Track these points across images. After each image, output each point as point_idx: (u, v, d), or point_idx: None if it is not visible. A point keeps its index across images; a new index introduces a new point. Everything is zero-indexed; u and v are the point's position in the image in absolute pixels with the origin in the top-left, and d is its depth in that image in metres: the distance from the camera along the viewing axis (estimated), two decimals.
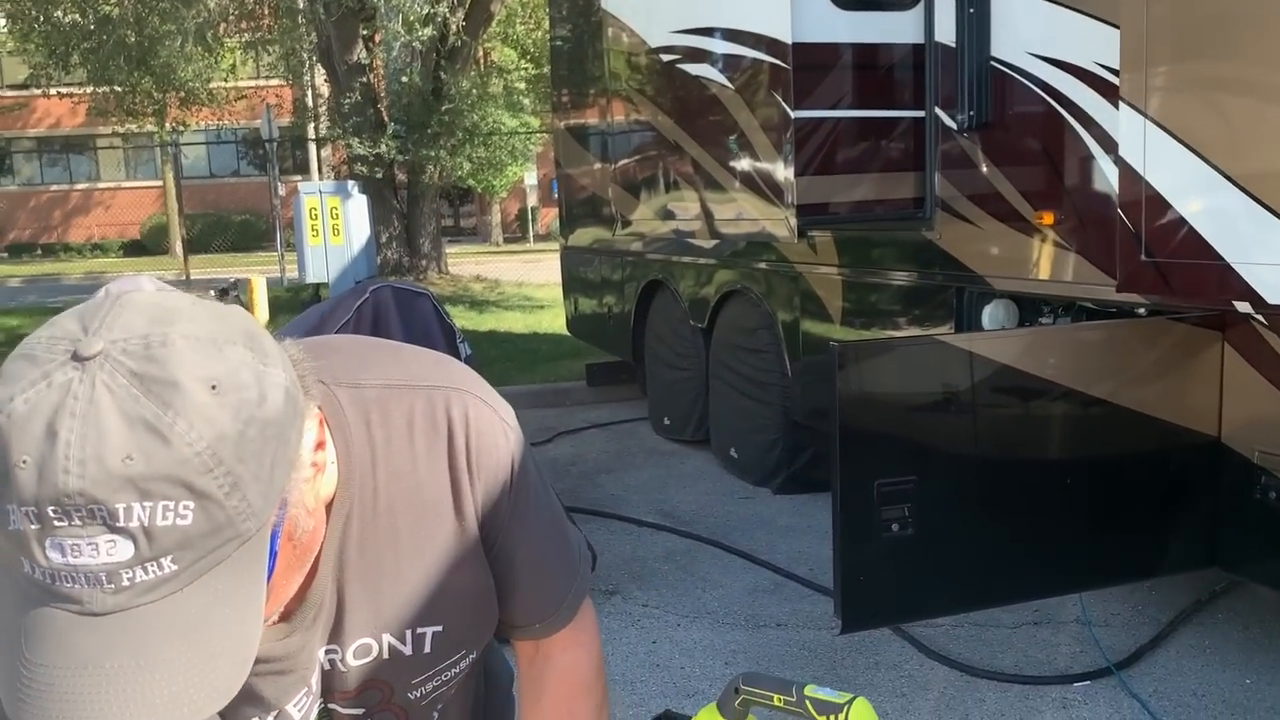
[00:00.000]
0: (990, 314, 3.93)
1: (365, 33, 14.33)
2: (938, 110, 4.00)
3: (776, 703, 0.99)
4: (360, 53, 14.09)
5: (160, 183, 28.60)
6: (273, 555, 0.79)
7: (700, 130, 4.80)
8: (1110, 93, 3.20)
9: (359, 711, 1.05)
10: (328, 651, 0.99)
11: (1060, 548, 3.15)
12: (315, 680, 1.00)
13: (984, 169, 3.83)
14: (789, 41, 3.95)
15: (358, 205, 12.71)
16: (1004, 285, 3.86)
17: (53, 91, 17.45)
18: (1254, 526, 3.11)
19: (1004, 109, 3.75)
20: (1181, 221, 2.94)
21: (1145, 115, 2.99)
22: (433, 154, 14.17)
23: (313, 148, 23.43)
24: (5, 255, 27.90)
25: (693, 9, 4.79)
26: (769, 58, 4.14)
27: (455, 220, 31.24)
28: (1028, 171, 3.70)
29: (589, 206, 7.35)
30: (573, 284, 8.23)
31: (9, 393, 0.69)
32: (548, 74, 10.49)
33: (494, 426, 1.02)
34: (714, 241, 5.48)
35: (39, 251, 28.57)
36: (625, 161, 5.87)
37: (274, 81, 21.98)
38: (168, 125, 18.64)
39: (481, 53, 16.90)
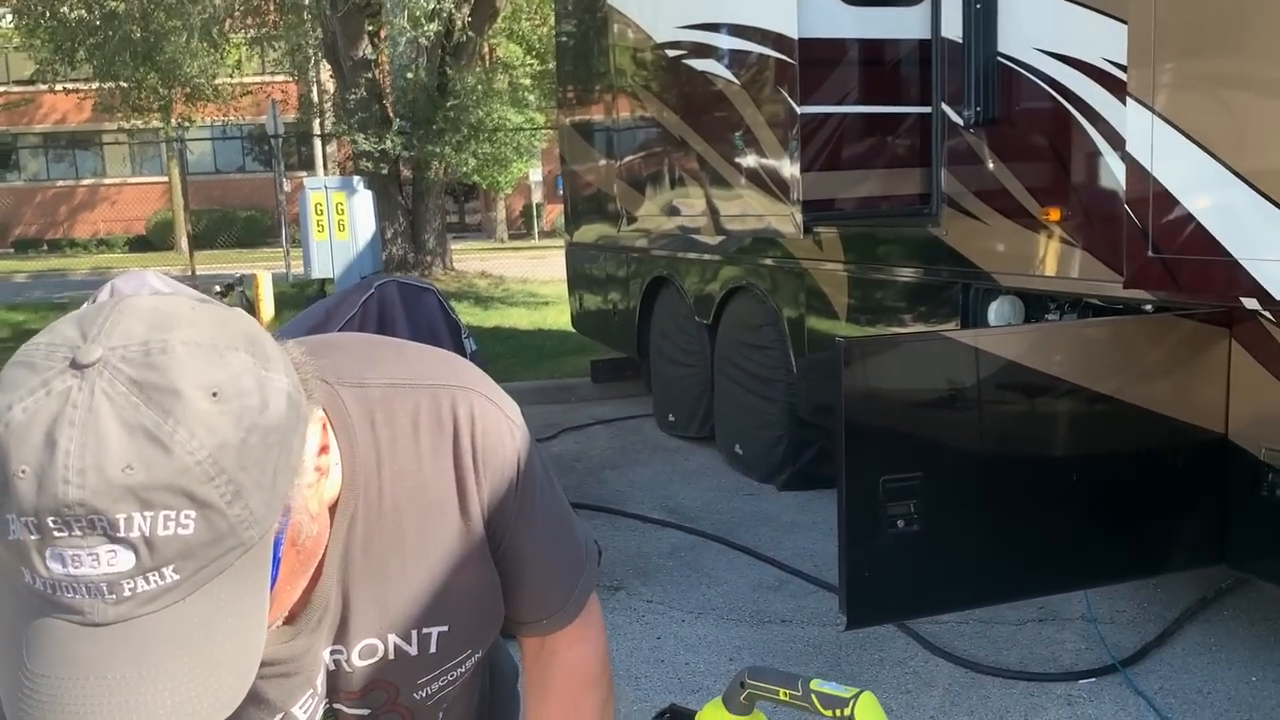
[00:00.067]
0: (996, 310, 3.92)
1: (371, 28, 14.34)
2: (944, 106, 3.99)
3: (782, 697, 0.98)
4: (366, 48, 14.09)
5: (166, 179, 28.60)
6: (276, 562, 0.79)
7: (706, 126, 4.79)
8: (1118, 88, 3.19)
9: (364, 712, 1.04)
10: (333, 652, 0.99)
11: (1066, 544, 3.14)
12: (320, 681, 1.00)
13: (990, 165, 3.82)
14: (795, 37, 3.94)
15: (363, 201, 12.71)
16: (1010, 282, 3.85)
17: (59, 87, 17.48)
18: (1261, 523, 3.11)
19: (1011, 105, 3.73)
20: (1189, 217, 2.93)
21: (1153, 111, 2.98)
22: (438, 150, 14.16)
23: (318, 143, 23.44)
24: (11, 251, 27.94)
25: (698, 4, 4.79)
26: (775, 53, 4.13)
27: (460, 216, 31.25)
28: (1034, 168, 3.69)
29: (594, 203, 7.35)
30: (578, 280, 8.23)
31: (7, 401, 0.69)
32: (553, 70, 10.48)
33: (500, 425, 1.01)
34: (719, 238, 5.48)
35: (45, 247, 28.60)
36: (630, 158, 5.87)
37: (279, 77, 21.97)
38: (173, 121, 18.67)
39: (487, 48, 16.90)
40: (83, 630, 0.69)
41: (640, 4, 5.37)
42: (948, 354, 3.07)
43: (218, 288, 7.94)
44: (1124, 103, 3.11)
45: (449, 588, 1.00)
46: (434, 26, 12.66)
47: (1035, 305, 3.88)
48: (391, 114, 14.49)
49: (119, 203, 30.05)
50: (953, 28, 3.88)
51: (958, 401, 3.05)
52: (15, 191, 30.22)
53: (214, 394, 0.70)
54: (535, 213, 28.24)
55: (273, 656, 0.90)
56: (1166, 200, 2.98)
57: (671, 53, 5.04)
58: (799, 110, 3.98)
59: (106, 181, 30.68)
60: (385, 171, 14.25)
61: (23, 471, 0.67)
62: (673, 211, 5.28)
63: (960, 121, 3.88)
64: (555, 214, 24.82)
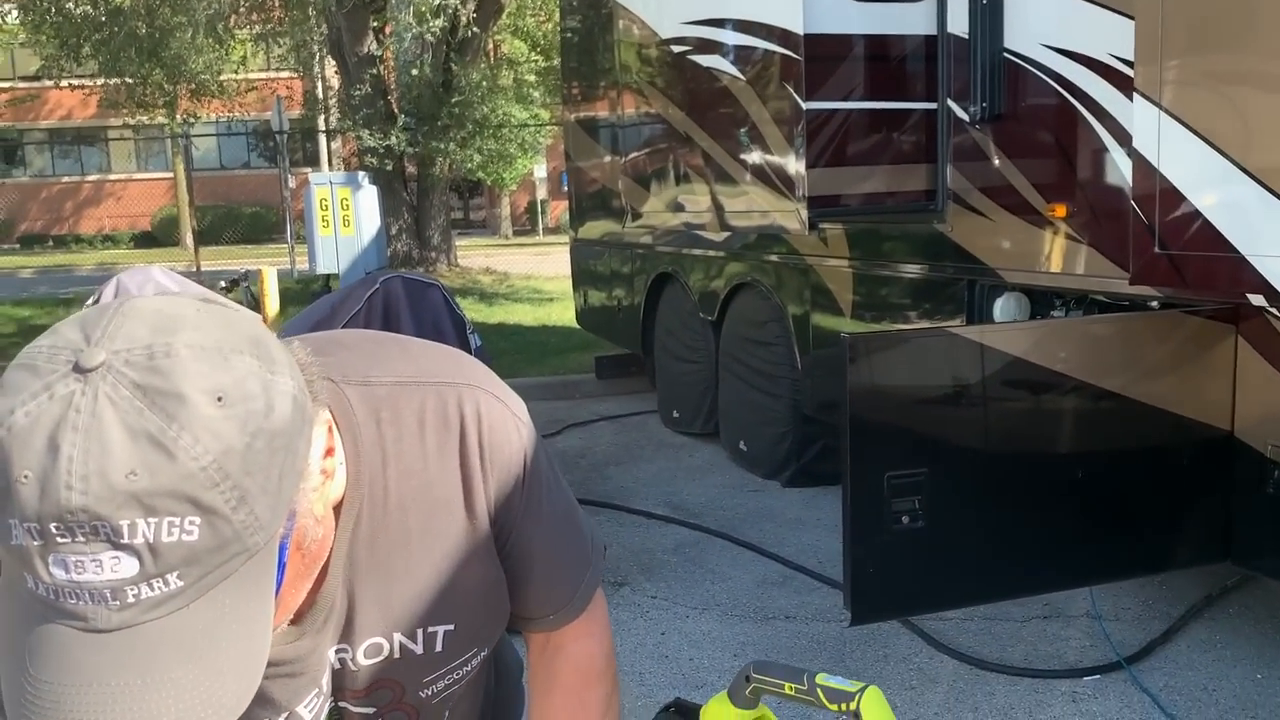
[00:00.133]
0: (1002, 307, 3.92)
1: (376, 24, 14.33)
2: (950, 102, 3.98)
3: (788, 691, 0.98)
4: (371, 45, 14.09)
5: (171, 174, 28.65)
6: (281, 567, 0.78)
7: (711, 122, 4.79)
8: (1124, 84, 3.18)
9: (370, 710, 1.04)
10: (338, 651, 0.98)
11: (1071, 541, 3.14)
12: (325, 680, 0.99)
13: (996, 161, 3.81)
14: (801, 33, 3.94)
15: (368, 196, 12.73)
16: (1016, 278, 3.85)
17: (64, 83, 17.49)
18: (1266, 521, 3.10)
19: (1017, 101, 3.73)
20: (1195, 214, 2.92)
21: (1160, 107, 2.98)
22: (442, 146, 14.15)
23: (323, 140, 23.46)
24: (17, 247, 28.00)
25: (704, 0, 4.78)
26: (781, 49, 4.12)
27: (465, 213, 31.26)
28: (1040, 164, 3.68)
29: (599, 199, 7.34)
30: (582, 277, 8.23)
31: (9, 405, 0.68)
32: (558, 66, 10.47)
33: (506, 422, 1.01)
34: (724, 234, 5.47)
35: (50, 243, 28.65)
36: (635, 154, 5.87)
37: (284, 73, 21.99)
38: (178, 117, 18.66)
39: (492, 45, 16.90)
40: (86, 636, 0.69)
41: (645, 0, 5.37)
42: (953, 350, 3.07)
43: (223, 283, 7.96)
44: (1130, 99, 3.10)
45: (455, 587, 0.99)
46: (439, 22, 12.66)
47: (1041, 301, 3.87)
48: (396, 110, 14.49)
49: (124, 199, 30.10)
50: (959, 23, 3.87)
51: (963, 398, 3.05)
52: (21, 187, 30.27)
53: (219, 398, 0.69)
54: (540, 209, 28.23)
55: (278, 657, 0.90)
56: (1173, 196, 2.97)
57: (676, 49, 5.04)
58: (804, 106, 3.97)
59: (112, 177, 30.73)
60: (390, 168, 14.25)
61: (25, 477, 0.66)
62: (678, 208, 5.28)
63: (966, 117, 3.87)
64: (560, 211, 24.82)
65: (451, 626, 1.01)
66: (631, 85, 5.80)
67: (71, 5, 13.55)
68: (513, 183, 25.96)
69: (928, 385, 3.04)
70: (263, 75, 21.99)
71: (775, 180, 4.24)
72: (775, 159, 4.22)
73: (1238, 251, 2.82)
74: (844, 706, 0.94)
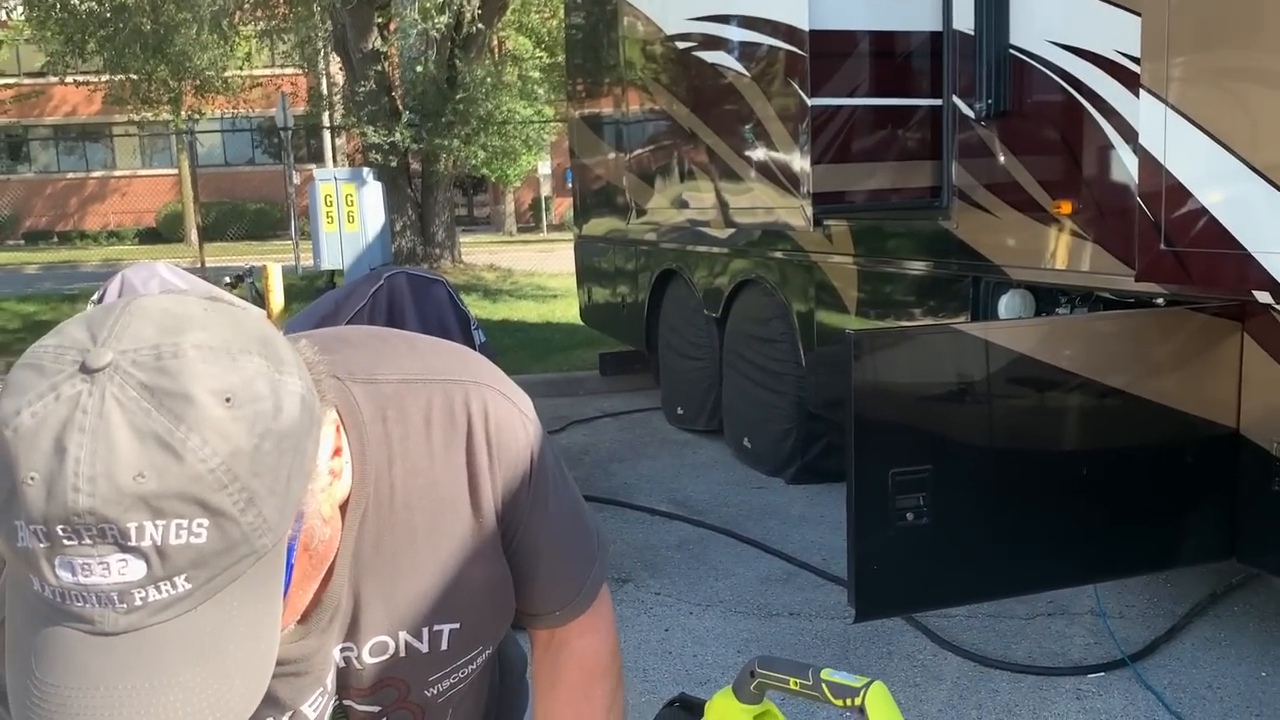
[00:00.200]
0: (1007, 304, 3.91)
1: (380, 21, 14.32)
2: (955, 99, 3.98)
3: (793, 686, 0.98)
4: (375, 41, 14.09)
5: (176, 171, 28.66)
6: (289, 568, 0.78)
7: (716, 119, 4.78)
8: (1131, 81, 3.18)
9: (375, 709, 1.04)
10: (343, 650, 0.98)
11: (1076, 538, 3.13)
12: (330, 679, 0.99)
13: (1002, 158, 3.81)
14: (806, 29, 3.93)
15: (373, 192, 12.72)
16: (1021, 275, 3.84)
17: (69, 79, 17.53)
18: (1272, 518, 3.09)
19: (1022, 97, 3.72)
20: (1202, 210, 2.91)
21: (1166, 103, 2.97)
22: (447, 143, 14.15)
23: (327, 136, 23.46)
24: (22, 243, 28.03)
25: None
26: (786, 45, 4.12)
27: (469, 209, 31.24)
28: (1046, 160, 3.67)
29: (603, 196, 7.34)
30: (586, 273, 8.22)
31: (15, 405, 0.67)
32: (562, 63, 10.46)
33: (513, 418, 1.01)
34: (729, 231, 5.47)
35: (55, 239, 28.69)
36: (640, 151, 5.86)
37: (289, 70, 22.00)
38: (183, 113, 18.70)
39: (496, 41, 16.88)
40: (93, 639, 0.68)
41: None
42: (957, 347, 3.06)
43: (228, 279, 7.97)
44: (1137, 95, 3.09)
45: (460, 585, 0.99)
46: (444, 19, 12.66)
47: (1046, 299, 3.87)
48: (401, 106, 14.49)
49: (129, 195, 30.13)
50: (964, 19, 3.86)
51: (967, 395, 3.04)
52: (26, 183, 30.31)
53: (227, 399, 0.69)
54: (544, 206, 28.22)
55: (283, 656, 0.89)
56: (1179, 193, 2.97)
57: (681, 45, 5.03)
58: (810, 103, 3.97)
59: (117, 174, 30.76)
60: (394, 164, 14.25)
61: (32, 478, 0.65)
62: (682, 204, 5.27)
63: (971, 114, 3.87)
64: (564, 207, 24.82)
65: (457, 625, 1.01)
66: (636, 82, 5.79)
67: (77, 1, 13.57)
68: (517, 179, 25.93)
69: (932, 382, 3.04)
70: (267, 72, 22.01)
71: (780, 177, 4.24)
72: (780, 155, 4.22)
73: (1244, 248, 2.81)
74: (849, 702, 0.94)
